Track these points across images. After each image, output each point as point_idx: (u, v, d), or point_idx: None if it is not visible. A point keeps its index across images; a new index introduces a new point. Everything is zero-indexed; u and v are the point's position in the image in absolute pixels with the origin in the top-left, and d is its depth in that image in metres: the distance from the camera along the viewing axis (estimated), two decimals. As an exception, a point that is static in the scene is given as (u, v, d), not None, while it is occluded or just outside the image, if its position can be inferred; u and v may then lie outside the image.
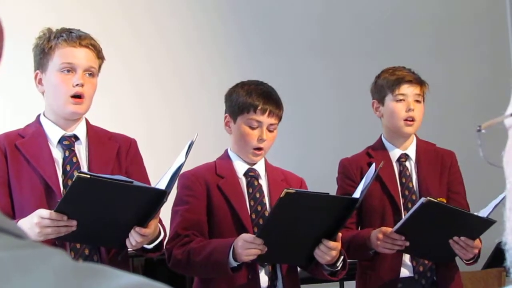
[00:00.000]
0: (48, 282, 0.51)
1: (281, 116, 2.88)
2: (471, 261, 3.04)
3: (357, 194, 2.72)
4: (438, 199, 3.07)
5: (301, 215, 2.62)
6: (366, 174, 2.77)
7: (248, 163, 2.89)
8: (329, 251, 2.68)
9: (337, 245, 2.70)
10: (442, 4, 5.65)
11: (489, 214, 2.87)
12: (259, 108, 2.81)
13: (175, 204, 2.84)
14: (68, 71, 2.58)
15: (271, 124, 2.84)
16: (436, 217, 2.87)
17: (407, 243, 2.93)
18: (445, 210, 2.90)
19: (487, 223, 2.84)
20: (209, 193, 2.83)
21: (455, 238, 2.92)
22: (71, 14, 4.52)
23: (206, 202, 2.83)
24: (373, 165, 2.76)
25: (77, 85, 2.57)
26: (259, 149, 2.84)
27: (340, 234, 2.72)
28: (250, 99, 2.83)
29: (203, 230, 2.82)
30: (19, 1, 4.59)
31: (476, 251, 2.97)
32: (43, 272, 0.51)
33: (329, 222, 2.67)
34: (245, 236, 2.65)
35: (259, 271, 2.81)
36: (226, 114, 2.90)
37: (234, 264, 2.67)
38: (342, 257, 2.79)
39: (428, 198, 2.84)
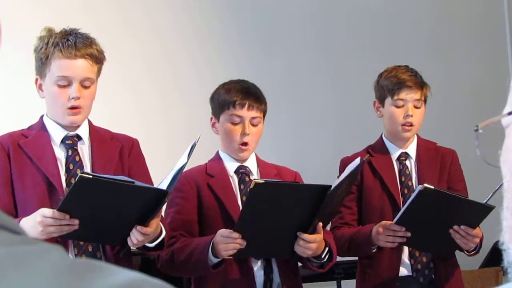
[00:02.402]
0: (45, 278, 0.51)
1: (264, 110, 2.90)
2: (473, 252, 3.04)
3: (334, 183, 2.71)
4: None
5: (275, 206, 2.61)
6: (348, 166, 2.76)
7: (238, 161, 2.91)
8: (307, 244, 2.68)
9: (315, 237, 2.69)
10: (441, 3, 5.65)
11: (487, 200, 2.86)
12: (237, 103, 2.85)
13: (167, 207, 2.87)
14: (65, 83, 2.58)
15: (253, 118, 2.86)
16: (435, 205, 2.87)
17: (409, 234, 2.93)
18: (442, 196, 2.89)
19: (486, 208, 2.83)
20: (199, 193, 2.85)
21: (455, 227, 2.92)
22: (69, 14, 4.51)
23: (196, 202, 2.85)
24: (358, 159, 2.76)
25: (73, 98, 2.58)
26: (245, 144, 2.86)
27: (320, 224, 2.71)
28: (229, 96, 2.87)
29: (193, 230, 2.83)
30: (17, 0, 4.59)
31: (477, 240, 2.96)
32: (40, 268, 0.51)
33: (304, 212, 2.66)
34: (222, 231, 2.66)
35: (253, 265, 2.82)
36: (212, 116, 2.95)
37: (216, 260, 2.69)
38: (327, 248, 2.79)
39: (425, 185, 2.85)
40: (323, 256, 2.78)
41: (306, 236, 2.68)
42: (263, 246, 2.72)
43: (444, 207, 2.90)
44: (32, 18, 4.31)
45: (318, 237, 2.70)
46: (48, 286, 0.50)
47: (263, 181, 2.59)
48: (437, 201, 2.87)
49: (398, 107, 3.17)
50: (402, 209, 2.95)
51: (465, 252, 3.04)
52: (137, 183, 2.42)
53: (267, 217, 2.64)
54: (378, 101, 3.24)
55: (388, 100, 3.19)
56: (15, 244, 0.54)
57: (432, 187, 2.87)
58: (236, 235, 2.62)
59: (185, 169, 2.87)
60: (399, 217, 2.94)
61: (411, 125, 3.16)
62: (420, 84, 3.19)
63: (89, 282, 0.51)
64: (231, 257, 2.68)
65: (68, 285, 0.51)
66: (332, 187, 2.66)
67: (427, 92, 3.21)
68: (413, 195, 2.88)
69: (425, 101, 3.21)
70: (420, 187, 2.84)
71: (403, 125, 3.16)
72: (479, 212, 2.87)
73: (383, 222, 2.99)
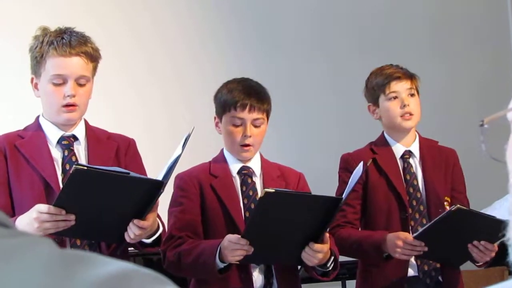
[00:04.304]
0: (34, 269, 0.50)
1: (267, 109, 2.86)
2: (483, 264, 3.02)
3: (343, 193, 2.70)
4: (445, 197, 3.06)
5: (284, 215, 2.60)
6: (353, 174, 2.74)
7: (242, 161, 2.88)
8: (315, 254, 2.67)
9: (323, 247, 2.67)
10: (442, 1, 5.64)
11: None
12: (238, 104, 2.80)
13: (170, 206, 2.85)
14: (59, 82, 2.57)
15: (255, 119, 2.82)
16: (461, 224, 2.85)
17: (426, 249, 2.90)
18: (473, 216, 2.87)
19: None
20: (202, 193, 2.83)
21: (475, 242, 2.90)
22: (70, 14, 4.51)
23: (200, 202, 2.83)
24: (361, 164, 2.73)
25: (68, 96, 2.57)
26: (247, 145, 2.83)
27: (327, 235, 2.70)
28: (231, 97, 2.82)
29: (198, 230, 2.82)
30: (18, 0, 4.59)
31: (493, 254, 2.94)
32: (29, 260, 0.51)
33: (314, 222, 2.65)
34: (230, 236, 2.64)
35: (253, 270, 2.80)
36: (215, 115, 2.91)
37: (222, 265, 2.67)
38: (332, 257, 2.77)
39: (458, 206, 2.82)
40: (328, 265, 2.77)
41: (315, 246, 2.66)
42: (270, 253, 2.71)
43: (470, 225, 2.88)
44: (33, 18, 4.30)
45: (326, 247, 2.69)
46: (38, 277, 0.50)
47: (273, 190, 2.55)
48: (465, 221, 2.85)
49: (392, 99, 3.14)
50: (426, 225, 2.93)
51: (475, 263, 3.03)
52: (132, 174, 2.40)
53: (275, 225, 2.62)
54: (373, 104, 3.21)
55: (382, 98, 3.16)
56: (3, 237, 0.53)
57: (465, 208, 2.85)
58: (244, 241, 2.60)
59: (188, 167, 2.87)
60: (420, 232, 2.91)
61: (410, 114, 3.13)
62: (409, 74, 3.17)
63: (79, 273, 0.51)
64: (237, 262, 2.66)
65: (58, 276, 0.50)
66: (343, 198, 2.65)
67: (417, 84, 3.18)
68: (444, 214, 2.85)
69: (418, 92, 3.18)
70: (453, 207, 2.82)
71: (402, 116, 3.13)
72: (502, 230, 2.84)
73: (402, 235, 2.94)
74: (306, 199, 2.65)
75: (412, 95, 3.14)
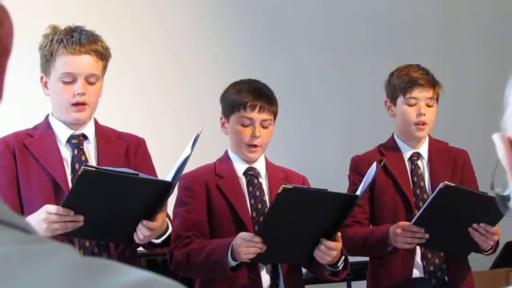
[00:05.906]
0: (56, 276, 0.51)
1: (275, 111, 2.87)
2: (490, 250, 3.02)
3: (357, 191, 2.71)
4: None
5: (300, 212, 2.60)
6: (368, 172, 2.75)
7: (247, 162, 2.89)
8: (329, 251, 2.67)
9: (337, 245, 2.68)
10: (449, 1, 5.63)
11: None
12: (248, 105, 2.82)
13: (176, 206, 2.85)
14: (69, 80, 2.57)
15: (264, 120, 2.83)
16: (455, 203, 2.85)
17: (427, 236, 2.91)
18: (463, 193, 2.88)
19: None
20: (209, 194, 2.83)
21: (475, 225, 2.91)
22: (76, 14, 4.51)
23: (206, 202, 2.83)
24: (375, 164, 2.75)
25: (78, 94, 2.56)
26: (254, 146, 2.84)
27: (339, 234, 2.71)
28: (240, 97, 2.83)
29: (204, 230, 2.82)
30: (24, 0, 4.59)
31: (496, 238, 2.95)
32: (51, 267, 0.51)
33: (328, 220, 2.66)
34: (243, 234, 2.64)
35: (260, 270, 2.80)
36: (222, 115, 2.91)
37: (234, 263, 2.67)
38: (343, 257, 2.77)
39: (446, 182, 2.83)
40: (338, 265, 2.77)
41: (330, 243, 2.66)
42: (282, 251, 2.71)
43: (464, 205, 2.88)
44: (39, 18, 4.31)
45: (339, 245, 2.70)
46: (59, 284, 0.50)
47: (292, 186, 2.57)
48: (457, 199, 2.86)
49: (410, 105, 3.15)
50: (421, 209, 2.93)
51: (483, 252, 3.03)
52: (142, 175, 2.40)
53: (290, 222, 2.62)
54: (390, 100, 3.22)
55: (400, 99, 3.17)
56: (26, 243, 0.54)
57: (453, 184, 2.86)
58: (257, 239, 2.60)
59: (193, 168, 2.88)
60: (417, 217, 2.92)
61: (424, 124, 3.15)
62: (432, 83, 3.18)
63: (101, 281, 0.51)
64: (249, 261, 2.66)
65: (80, 283, 0.51)
66: (359, 196, 2.66)
67: (439, 91, 3.20)
68: (434, 193, 2.87)
69: (437, 100, 3.20)
70: (441, 184, 2.83)
71: (416, 124, 3.15)
72: (499, 209, 2.85)
73: (401, 223, 2.97)
74: (323, 196, 2.65)
75: (430, 106, 3.16)
